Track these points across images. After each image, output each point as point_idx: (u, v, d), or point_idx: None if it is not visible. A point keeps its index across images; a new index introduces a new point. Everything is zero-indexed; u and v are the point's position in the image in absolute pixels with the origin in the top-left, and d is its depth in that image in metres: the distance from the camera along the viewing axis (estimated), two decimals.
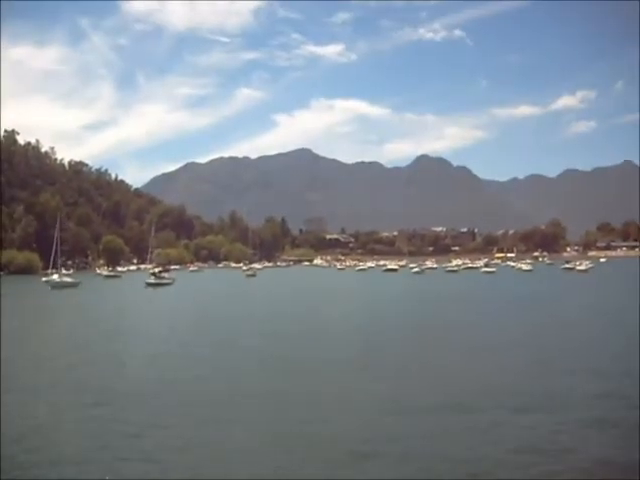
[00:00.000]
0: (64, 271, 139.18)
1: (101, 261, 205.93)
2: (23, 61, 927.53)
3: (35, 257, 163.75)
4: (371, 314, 58.64)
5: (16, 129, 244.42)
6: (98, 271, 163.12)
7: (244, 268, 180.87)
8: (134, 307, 72.23)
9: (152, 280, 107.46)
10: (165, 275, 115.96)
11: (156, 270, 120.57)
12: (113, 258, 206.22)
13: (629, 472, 15.60)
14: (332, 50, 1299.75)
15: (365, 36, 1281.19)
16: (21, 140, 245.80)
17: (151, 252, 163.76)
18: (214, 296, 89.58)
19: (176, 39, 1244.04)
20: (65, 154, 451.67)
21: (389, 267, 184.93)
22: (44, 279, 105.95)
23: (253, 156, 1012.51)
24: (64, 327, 53.32)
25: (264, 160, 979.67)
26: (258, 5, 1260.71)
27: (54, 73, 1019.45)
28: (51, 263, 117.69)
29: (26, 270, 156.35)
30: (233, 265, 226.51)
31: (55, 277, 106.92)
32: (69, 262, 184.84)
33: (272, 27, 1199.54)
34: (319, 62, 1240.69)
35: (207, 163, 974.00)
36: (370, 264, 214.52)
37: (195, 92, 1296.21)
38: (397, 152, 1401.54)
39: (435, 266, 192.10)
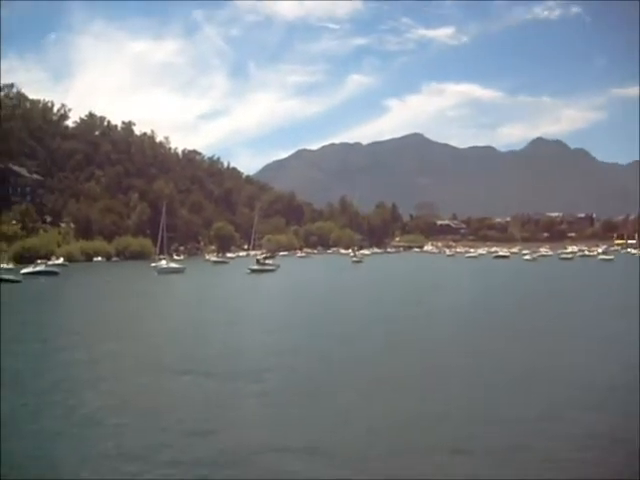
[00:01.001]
0: (175, 257, 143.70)
1: (212, 247, 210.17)
2: (143, 55, 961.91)
3: (148, 243, 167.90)
4: (456, 302, 57.04)
5: (137, 121, 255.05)
6: (207, 257, 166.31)
7: (351, 254, 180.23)
8: (226, 293, 72.43)
9: (255, 267, 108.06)
10: (269, 262, 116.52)
11: (261, 256, 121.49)
12: (224, 244, 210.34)
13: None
14: (442, 33, 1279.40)
15: (476, 17, 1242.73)
16: (137, 131, 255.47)
17: (254, 239, 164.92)
18: (313, 282, 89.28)
19: (286, 28, 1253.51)
20: (181, 143, 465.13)
21: (500, 254, 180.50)
22: (152, 264, 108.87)
23: (364, 142, 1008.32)
24: (141, 309, 55.03)
25: (375, 146, 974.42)
26: None
27: (171, 65, 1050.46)
28: (157, 249, 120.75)
29: (140, 256, 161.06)
30: (342, 251, 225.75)
31: (162, 263, 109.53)
32: (181, 248, 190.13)
33: (381, 11, 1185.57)
34: (429, 46, 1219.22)
35: (318, 150, 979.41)
36: (481, 250, 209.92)
37: (306, 79, 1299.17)
38: (511, 136, 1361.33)
39: (550, 253, 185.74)
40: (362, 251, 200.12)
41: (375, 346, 32.88)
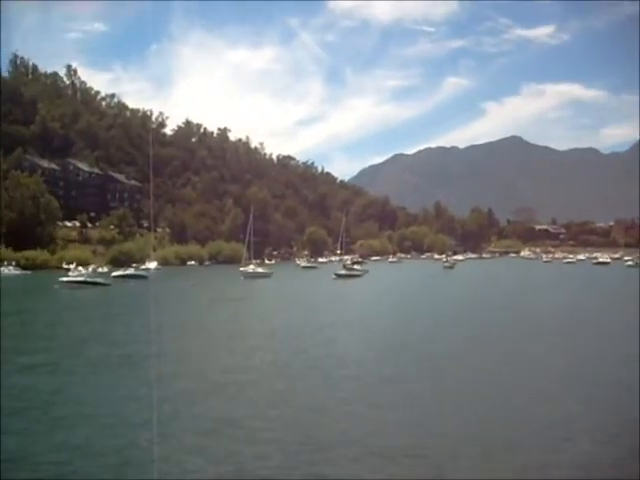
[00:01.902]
0: (267, 261, 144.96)
1: (305, 252, 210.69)
2: (240, 63, 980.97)
3: (241, 248, 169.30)
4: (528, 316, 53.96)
5: (235, 128, 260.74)
6: (297, 262, 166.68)
7: (444, 259, 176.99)
8: (304, 299, 71.41)
9: (342, 272, 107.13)
10: (357, 267, 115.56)
11: (349, 262, 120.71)
12: (316, 249, 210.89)
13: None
14: (542, 32, 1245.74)
15: (577, 14, 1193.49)
16: (232, 137, 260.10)
17: (341, 242, 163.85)
18: (394, 290, 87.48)
19: (381, 32, 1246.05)
20: (278, 149, 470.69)
21: (600, 260, 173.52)
22: (240, 269, 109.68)
23: (461, 146, 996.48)
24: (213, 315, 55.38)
25: (472, 149, 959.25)
26: None
27: (268, 72, 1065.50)
28: (245, 253, 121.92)
29: (232, 260, 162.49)
30: (436, 256, 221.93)
31: (250, 267, 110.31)
32: (274, 252, 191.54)
33: (478, 12, 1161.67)
34: (528, 46, 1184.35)
35: (414, 154, 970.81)
36: (580, 256, 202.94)
37: (401, 84, 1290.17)
38: (615, 137, 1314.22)
39: None
40: (455, 256, 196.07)
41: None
